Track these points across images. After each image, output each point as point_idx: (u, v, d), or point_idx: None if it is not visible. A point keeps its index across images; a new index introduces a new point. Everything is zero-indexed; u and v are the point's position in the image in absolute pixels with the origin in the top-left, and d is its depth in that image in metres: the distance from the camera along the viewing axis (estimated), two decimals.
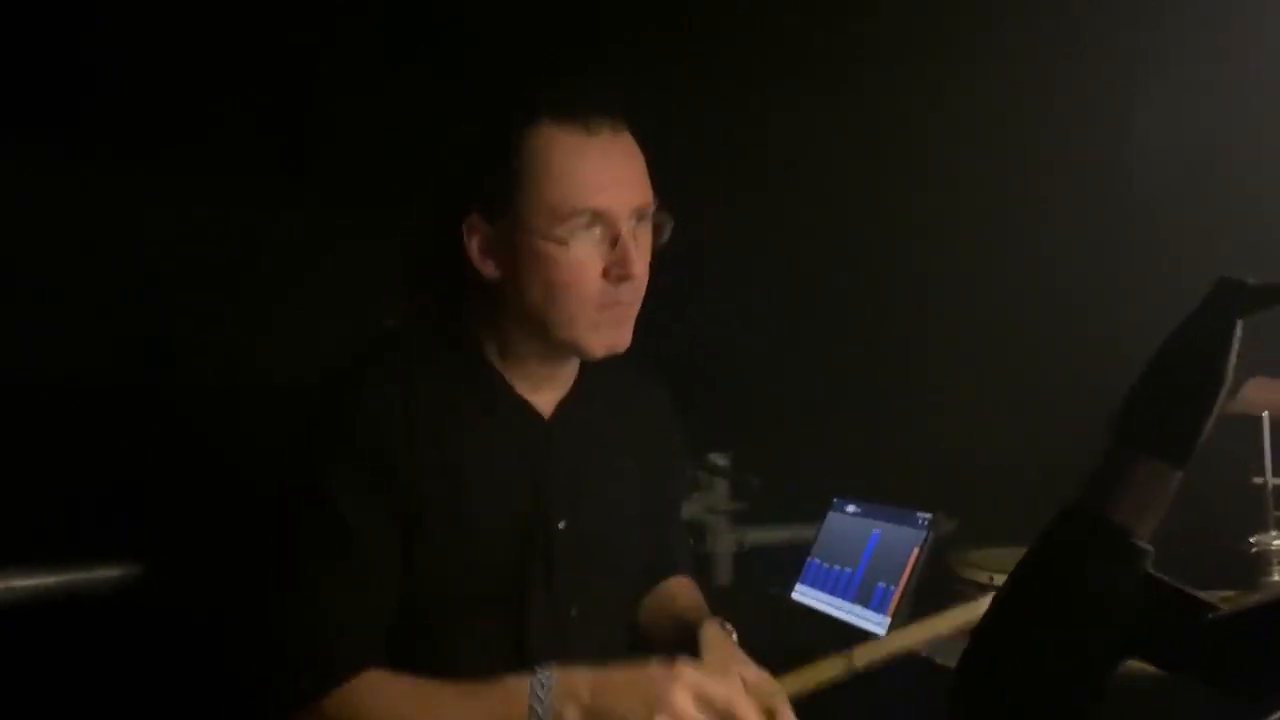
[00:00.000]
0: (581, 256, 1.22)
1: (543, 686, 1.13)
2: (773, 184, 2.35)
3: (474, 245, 1.26)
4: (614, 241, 1.24)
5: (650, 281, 1.31)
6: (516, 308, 1.27)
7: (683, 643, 1.34)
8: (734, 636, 1.36)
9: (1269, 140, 1.84)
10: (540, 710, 1.12)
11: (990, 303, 2.16)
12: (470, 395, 1.30)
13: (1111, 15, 2.00)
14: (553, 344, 1.28)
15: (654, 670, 1.14)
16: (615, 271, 1.24)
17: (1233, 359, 0.69)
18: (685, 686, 1.11)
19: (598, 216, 1.22)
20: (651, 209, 1.28)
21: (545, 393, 1.34)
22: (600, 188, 1.23)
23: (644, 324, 1.33)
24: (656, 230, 1.30)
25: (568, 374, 1.36)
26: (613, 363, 1.35)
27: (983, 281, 2.17)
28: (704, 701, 1.11)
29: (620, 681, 1.14)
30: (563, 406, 1.35)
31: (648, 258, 1.28)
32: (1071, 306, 2.06)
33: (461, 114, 1.66)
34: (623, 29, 2.13)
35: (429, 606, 1.25)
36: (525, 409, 1.32)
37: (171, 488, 1.74)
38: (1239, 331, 0.69)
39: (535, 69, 2.05)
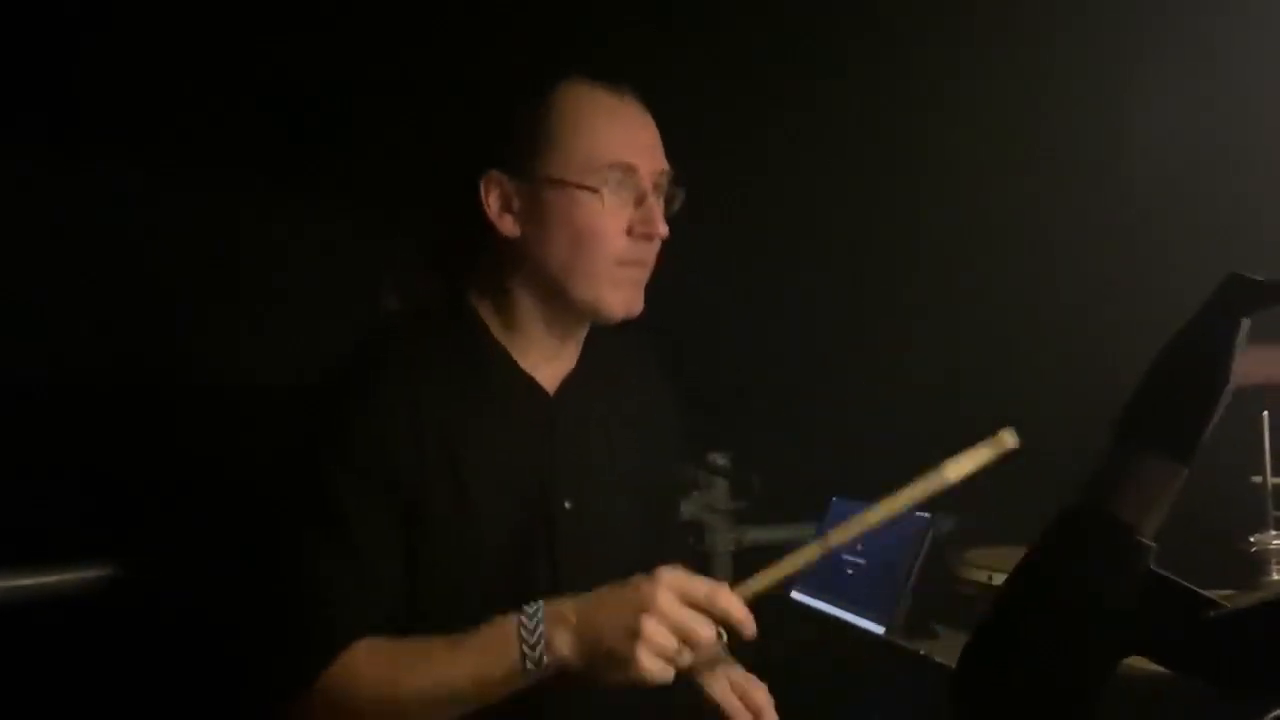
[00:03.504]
0: (611, 208, 1.25)
1: (530, 619, 1.12)
2: (771, 182, 2.35)
3: (493, 202, 1.28)
4: (640, 200, 1.27)
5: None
6: (536, 265, 1.28)
7: None
8: (724, 639, 1.36)
9: (1271, 138, 1.83)
10: (530, 640, 1.11)
11: (990, 302, 2.16)
12: (475, 373, 1.30)
13: (1112, 14, 2.00)
14: (569, 305, 1.29)
15: (635, 579, 1.13)
16: (640, 229, 1.27)
17: (1238, 356, 0.69)
18: (668, 587, 1.10)
19: (629, 172, 1.26)
20: (667, 178, 1.31)
21: (550, 368, 1.34)
22: (632, 145, 1.27)
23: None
24: (668, 201, 1.32)
25: (572, 348, 1.36)
26: (615, 344, 1.36)
27: (983, 281, 2.17)
28: (688, 598, 1.11)
29: (604, 597, 1.13)
30: (567, 384, 1.35)
31: None
32: (1071, 307, 2.06)
33: (461, 99, 1.67)
34: (613, 28, 2.13)
35: (434, 590, 1.24)
36: (530, 385, 1.32)
37: (166, 487, 1.73)
38: (1245, 329, 0.69)
39: (538, 61, 2.06)
